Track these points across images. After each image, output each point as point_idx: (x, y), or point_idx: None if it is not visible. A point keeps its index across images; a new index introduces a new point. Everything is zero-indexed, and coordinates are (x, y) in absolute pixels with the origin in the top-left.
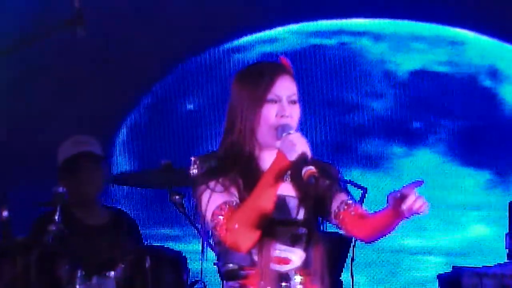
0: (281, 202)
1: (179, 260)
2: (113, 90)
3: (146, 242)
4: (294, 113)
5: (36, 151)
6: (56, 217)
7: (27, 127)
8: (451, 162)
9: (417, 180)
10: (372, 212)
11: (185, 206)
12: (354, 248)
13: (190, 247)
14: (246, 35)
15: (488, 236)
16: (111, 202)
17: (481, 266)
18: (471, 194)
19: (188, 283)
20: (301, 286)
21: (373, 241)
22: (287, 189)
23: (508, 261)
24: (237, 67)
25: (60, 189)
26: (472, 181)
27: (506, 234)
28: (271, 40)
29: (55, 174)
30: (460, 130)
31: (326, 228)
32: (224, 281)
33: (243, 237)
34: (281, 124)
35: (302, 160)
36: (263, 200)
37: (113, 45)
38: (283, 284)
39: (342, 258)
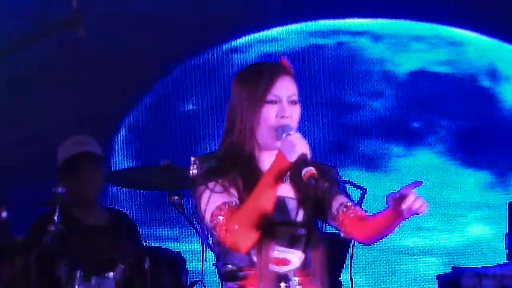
0: (281, 203)
1: (178, 261)
2: (113, 90)
3: (145, 243)
4: (294, 114)
5: (36, 151)
6: (56, 217)
7: (27, 127)
8: (451, 162)
9: (417, 180)
10: (371, 213)
11: (184, 206)
12: (354, 248)
13: (189, 248)
14: (245, 35)
15: (488, 236)
16: (110, 203)
17: (480, 267)
18: (471, 194)
19: (187, 284)
20: (300, 287)
21: (373, 243)
22: (286, 190)
23: (507, 261)
24: (237, 67)
25: (60, 189)
26: (472, 181)
27: (505, 235)
28: (271, 40)
29: (55, 174)
30: (460, 130)
31: (325, 229)
32: (223, 282)
33: (243, 238)
34: (281, 125)
35: (302, 161)
36: (263, 200)
37: (113, 45)
38: (282, 285)
39: (342, 259)
